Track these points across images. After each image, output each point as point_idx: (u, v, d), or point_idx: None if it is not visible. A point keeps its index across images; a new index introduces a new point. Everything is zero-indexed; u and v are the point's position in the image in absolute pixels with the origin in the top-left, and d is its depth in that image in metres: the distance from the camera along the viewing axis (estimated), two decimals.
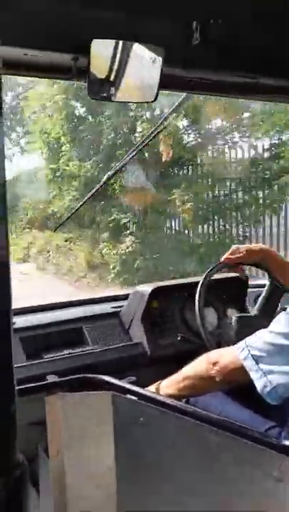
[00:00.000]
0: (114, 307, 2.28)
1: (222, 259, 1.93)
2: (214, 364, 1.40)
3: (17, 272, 9.98)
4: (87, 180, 9.52)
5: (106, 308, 2.30)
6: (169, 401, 1.14)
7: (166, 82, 1.38)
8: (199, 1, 1.22)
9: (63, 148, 10.09)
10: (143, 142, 1.76)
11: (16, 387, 1.34)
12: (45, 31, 1.16)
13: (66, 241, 10.91)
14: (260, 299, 1.98)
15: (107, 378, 1.26)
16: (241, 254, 1.89)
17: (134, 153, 1.77)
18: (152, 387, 1.54)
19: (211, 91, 1.62)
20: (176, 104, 1.98)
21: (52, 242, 11.23)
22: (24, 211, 12.57)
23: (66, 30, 1.16)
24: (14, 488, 0.44)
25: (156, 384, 1.54)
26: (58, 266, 10.78)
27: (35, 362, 1.81)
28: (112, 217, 9.48)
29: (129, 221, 9.44)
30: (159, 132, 1.74)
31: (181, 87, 1.50)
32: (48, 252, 11.33)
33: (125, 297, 2.31)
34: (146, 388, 1.48)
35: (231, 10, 1.22)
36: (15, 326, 1.97)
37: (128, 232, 9.31)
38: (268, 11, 1.18)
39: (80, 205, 2.18)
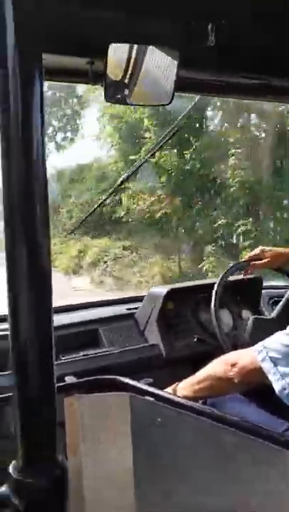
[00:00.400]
0: (130, 309, 2.29)
1: (243, 260, 1.92)
2: (233, 365, 1.40)
3: (69, 287, 8.57)
4: (182, 174, 7.61)
5: (121, 310, 2.30)
6: (186, 402, 1.14)
7: (181, 85, 1.39)
8: (212, 3, 1.23)
9: (146, 134, 8.27)
10: (159, 143, 1.76)
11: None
12: (62, 35, 1.18)
13: (125, 249, 9.25)
14: (281, 302, 1.97)
15: (124, 380, 1.26)
16: (268, 260, 1.88)
17: (152, 153, 1.77)
18: (169, 389, 1.54)
19: (227, 93, 1.63)
20: (191, 106, 1.99)
21: (109, 251, 9.42)
22: (68, 214, 11.03)
23: (82, 34, 1.17)
24: (54, 487, 0.45)
25: (172, 386, 1.54)
26: (119, 280, 9.02)
27: (55, 363, 1.82)
28: (219, 222, 7.41)
29: (250, 229, 7.21)
30: (174, 133, 1.74)
31: (197, 89, 1.50)
32: (106, 262, 9.44)
33: (140, 299, 2.32)
34: (162, 390, 1.49)
35: (244, 11, 1.22)
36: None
37: (247, 243, 7.08)
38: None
39: (94, 209, 2.19)
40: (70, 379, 1.39)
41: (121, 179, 1.83)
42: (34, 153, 0.41)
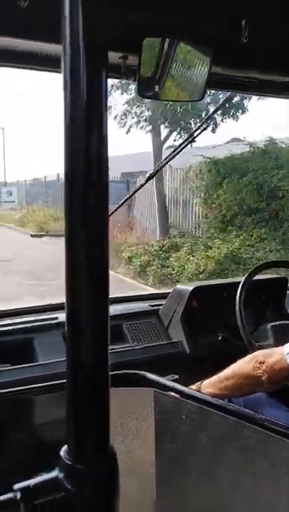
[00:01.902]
0: (153, 305, 2.29)
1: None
2: (261, 363, 1.40)
3: None
4: None
5: (144, 306, 2.31)
6: (211, 399, 1.14)
7: (213, 81, 1.38)
8: (247, 0, 1.22)
9: None
10: (188, 139, 1.76)
11: (59, 382, 1.37)
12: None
13: None
14: None
15: (149, 375, 1.27)
16: None
17: (179, 151, 1.77)
18: (193, 387, 1.54)
19: (257, 90, 1.61)
20: (221, 102, 1.97)
21: None
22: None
23: (116, 29, 1.17)
24: (106, 474, 0.45)
25: (197, 384, 1.54)
26: None
27: None
28: None
29: None
30: (203, 130, 1.73)
31: (229, 86, 1.50)
32: None
33: (163, 296, 2.32)
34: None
35: (277, 8, 1.21)
36: (58, 321, 2.00)
37: None
38: None
39: (117, 208, 2.18)
40: None
41: (143, 181, 1.79)
42: (96, 147, 0.41)
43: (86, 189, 0.42)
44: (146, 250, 9.87)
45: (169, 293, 2.27)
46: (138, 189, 2.35)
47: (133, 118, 11.64)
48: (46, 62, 1.17)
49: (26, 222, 19.17)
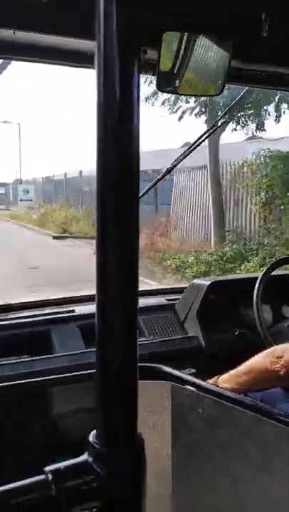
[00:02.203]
0: (169, 300, 2.30)
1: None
2: (278, 358, 1.40)
3: None
4: None
5: (161, 300, 2.31)
6: (228, 393, 1.14)
7: (232, 76, 1.38)
8: None
9: None
10: (206, 133, 1.75)
11: (77, 373, 1.38)
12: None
13: None
14: None
15: (166, 369, 1.27)
16: None
17: (198, 144, 1.76)
18: (210, 382, 1.54)
19: (277, 85, 1.60)
20: (239, 97, 1.96)
21: None
22: None
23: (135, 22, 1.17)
24: (134, 461, 0.47)
25: (214, 378, 1.54)
26: None
27: (93, 350, 1.85)
28: None
29: None
30: (221, 125, 1.72)
31: (248, 80, 1.49)
32: None
33: (180, 290, 2.32)
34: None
35: None
36: (74, 314, 2.02)
37: None
38: None
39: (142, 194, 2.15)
40: None
41: (164, 172, 1.76)
42: (128, 144, 0.42)
43: (117, 186, 0.43)
44: (198, 259, 8.73)
45: (185, 287, 2.27)
46: (152, 186, 2.33)
47: (188, 102, 9.90)
48: (78, 58, 1.19)
49: (46, 222, 18.33)
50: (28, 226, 19.25)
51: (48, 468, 0.45)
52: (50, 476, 0.45)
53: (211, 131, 1.72)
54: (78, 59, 1.20)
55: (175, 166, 1.91)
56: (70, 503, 0.46)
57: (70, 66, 1.28)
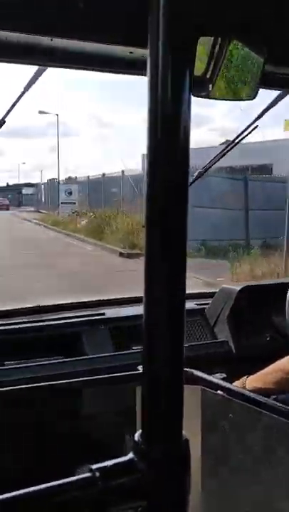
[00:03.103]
0: (199, 304, 2.29)
1: None
2: None
3: None
4: None
5: (190, 304, 2.31)
6: (259, 398, 1.14)
7: (266, 80, 1.37)
8: None
9: None
10: (244, 132, 1.74)
11: (109, 376, 1.39)
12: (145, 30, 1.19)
13: None
14: None
15: (197, 373, 1.27)
16: None
17: (236, 143, 1.75)
18: (237, 383, 1.53)
19: None
20: (272, 100, 1.95)
21: None
22: None
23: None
24: (179, 461, 0.48)
25: (243, 378, 1.53)
26: None
27: (125, 352, 1.86)
28: None
29: None
30: (256, 127, 1.71)
31: (281, 84, 1.48)
32: None
33: (209, 295, 2.31)
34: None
35: None
36: (105, 317, 2.03)
37: None
38: None
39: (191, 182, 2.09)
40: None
41: (206, 165, 1.72)
42: (178, 149, 0.43)
43: (167, 186, 0.43)
44: None
45: (215, 292, 2.26)
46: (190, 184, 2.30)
47: None
48: (130, 66, 1.22)
49: (99, 232, 14.68)
50: (77, 236, 15.91)
51: (94, 466, 0.46)
52: (97, 474, 0.45)
53: (249, 130, 1.71)
54: (128, 66, 1.24)
55: (212, 165, 1.89)
56: (116, 502, 0.47)
57: (119, 73, 1.31)
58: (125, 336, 1.99)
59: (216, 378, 1.27)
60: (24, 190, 51.29)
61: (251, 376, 1.52)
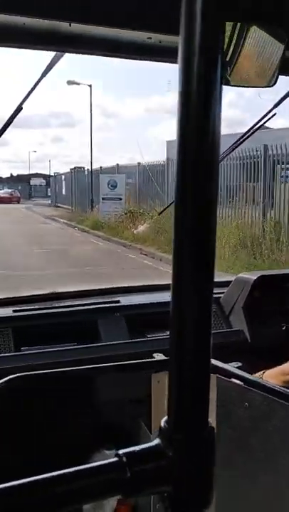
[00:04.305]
0: (214, 292, 2.28)
1: None
2: None
3: None
4: None
5: None
6: (276, 387, 1.13)
7: (285, 66, 1.35)
8: None
9: None
10: (263, 118, 1.71)
11: (124, 363, 1.40)
12: (167, 16, 1.18)
13: None
14: None
15: (213, 361, 1.27)
16: None
17: (255, 130, 1.73)
18: (255, 376, 1.53)
19: None
20: None
21: None
22: None
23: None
24: (205, 447, 0.48)
25: (259, 373, 1.53)
26: None
27: (140, 340, 1.87)
28: None
29: None
30: (274, 115, 1.68)
31: None
32: None
33: (224, 284, 2.31)
34: None
35: None
36: (120, 304, 2.04)
37: None
38: None
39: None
40: (159, 356, 1.42)
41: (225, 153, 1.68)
42: (209, 139, 0.43)
43: (196, 177, 0.43)
44: None
45: (230, 281, 2.25)
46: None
47: None
48: (163, 53, 1.23)
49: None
50: (143, 249, 10.74)
51: (122, 451, 0.47)
52: (124, 459, 0.46)
53: (268, 116, 1.69)
54: (164, 54, 1.24)
55: (230, 152, 1.87)
56: (143, 487, 0.48)
57: (150, 60, 1.32)
58: (140, 323, 1.99)
59: (231, 367, 1.27)
60: (32, 181, 48.86)
61: (268, 371, 1.52)
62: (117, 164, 18.70)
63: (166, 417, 0.48)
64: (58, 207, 26.57)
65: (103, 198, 16.55)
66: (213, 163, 0.43)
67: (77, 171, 24.06)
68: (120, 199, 16.13)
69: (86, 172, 21.97)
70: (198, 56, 0.41)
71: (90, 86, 23.73)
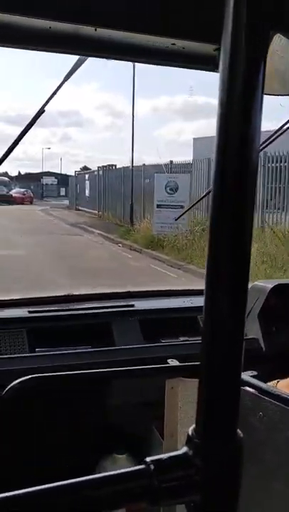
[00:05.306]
0: None
1: None
2: None
3: None
4: None
5: None
6: None
7: None
8: None
9: None
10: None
11: (139, 367, 1.40)
12: (191, 22, 1.18)
13: None
14: None
15: None
16: None
17: (277, 136, 1.71)
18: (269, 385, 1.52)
19: None
20: None
21: None
22: None
23: (209, 21, 1.18)
24: (233, 458, 0.48)
25: (273, 382, 1.51)
26: None
27: (154, 345, 1.86)
28: None
29: None
30: None
31: None
32: None
33: None
34: None
35: None
36: (134, 308, 2.04)
37: None
38: None
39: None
40: (173, 362, 1.42)
41: None
42: (249, 147, 0.43)
43: (234, 182, 0.44)
44: None
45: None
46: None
47: None
48: (202, 61, 1.24)
49: None
50: None
51: (149, 459, 0.47)
52: (152, 467, 0.46)
53: (283, 128, 1.68)
54: (202, 62, 1.26)
55: (260, 151, 1.83)
56: (169, 495, 0.48)
57: (189, 68, 1.34)
58: (155, 328, 1.99)
59: (246, 375, 1.26)
60: (44, 180, 46.26)
61: (282, 381, 1.50)
62: (171, 161, 14.84)
63: (194, 425, 0.48)
64: (79, 210, 23.81)
65: (158, 206, 12.62)
66: (252, 171, 0.43)
67: (108, 169, 20.57)
68: (182, 207, 11.75)
69: (123, 171, 18.07)
70: (242, 66, 0.41)
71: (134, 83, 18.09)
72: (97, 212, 20.56)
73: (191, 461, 0.47)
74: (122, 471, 0.46)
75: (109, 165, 20.84)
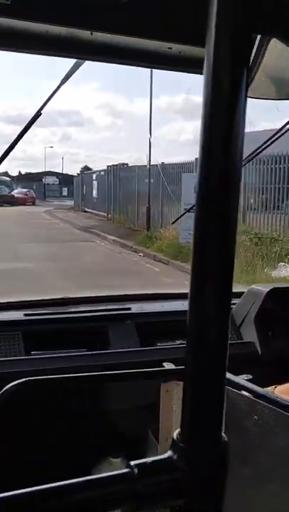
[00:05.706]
0: None
1: None
2: None
3: None
4: None
5: None
6: (285, 402, 1.12)
7: None
8: None
9: None
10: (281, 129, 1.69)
11: (133, 371, 1.39)
12: (188, 26, 1.19)
13: None
14: None
15: None
16: None
17: (281, 134, 1.71)
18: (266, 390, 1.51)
19: None
20: None
21: None
22: None
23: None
24: (217, 461, 0.48)
25: (270, 388, 1.51)
26: None
27: (150, 348, 1.86)
28: None
29: None
30: None
31: None
32: None
33: (237, 295, 2.29)
34: None
35: None
36: (131, 312, 2.04)
37: None
38: None
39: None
40: (168, 365, 1.41)
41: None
42: (232, 150, 0.43)
43: (218, 186, 0.44)
44: None
45: (243, 292, 2.24)
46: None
47: None
48: (198, 66, 1.24)
49: None
50: None
51: (133, 463, 0.46)
52: (136, 470, 0.46)
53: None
54: (192, 65, 1.26)
55: (259, 153, 1.81)
56: (153, 499, 0.47)
57: (186, 72, 1.34)
58: (151, 331, 1.99)
59: (241, 379, 1.26)
60: (46, 180, 45.00)
61: (279, 387, 1.49)
62: (196, 159, 13.13)
63: (178, 429, 0.47)
64: (86, 212, 22.45)
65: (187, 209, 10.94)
66: (236, 173, 0.43)
67: (119, 168, 19.18)
68: None
69: (137, 170, 16.71)
70: (224, 67, 0.42)
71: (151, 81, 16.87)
72: (106, 214, 19.24)
73: (176, 465, 0.46)
74: (106, 474, 0.46)
75: (120, 164, 19.45)
